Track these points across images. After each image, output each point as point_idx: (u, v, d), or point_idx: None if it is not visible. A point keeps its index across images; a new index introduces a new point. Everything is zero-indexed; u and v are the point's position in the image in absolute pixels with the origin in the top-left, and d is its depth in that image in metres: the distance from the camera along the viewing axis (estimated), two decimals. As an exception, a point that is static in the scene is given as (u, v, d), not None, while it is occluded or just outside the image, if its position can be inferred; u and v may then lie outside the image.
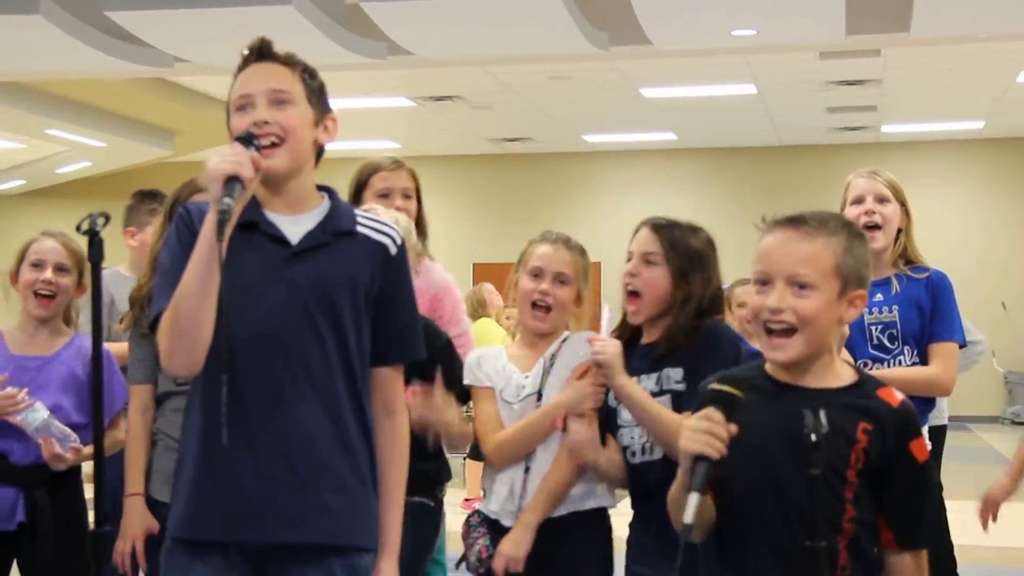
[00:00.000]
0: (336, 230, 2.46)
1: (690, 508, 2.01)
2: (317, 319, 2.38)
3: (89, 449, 3.53)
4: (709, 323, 3.00)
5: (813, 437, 2.06)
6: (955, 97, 13.27)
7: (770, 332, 2.22)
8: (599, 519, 3.17)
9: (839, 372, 2.28)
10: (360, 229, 2.49)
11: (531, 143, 16.34)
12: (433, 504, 3.33)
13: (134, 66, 9.37)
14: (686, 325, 2.99)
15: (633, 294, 3.05)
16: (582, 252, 3.28)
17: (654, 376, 3.02)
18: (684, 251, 3.04)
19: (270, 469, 2.35)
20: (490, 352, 3.30)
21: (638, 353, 3.08)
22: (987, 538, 3.86)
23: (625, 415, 3.06)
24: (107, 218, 3.01)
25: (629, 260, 3.09)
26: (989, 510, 3.62)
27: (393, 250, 2.51)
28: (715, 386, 2.16)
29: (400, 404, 2.57)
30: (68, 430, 3.58)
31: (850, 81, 12.30)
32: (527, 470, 3.16)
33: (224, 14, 7.92)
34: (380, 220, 2.56)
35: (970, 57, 11.10)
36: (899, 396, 2.27)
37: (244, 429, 2.33)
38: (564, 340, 3.24)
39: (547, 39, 8.66)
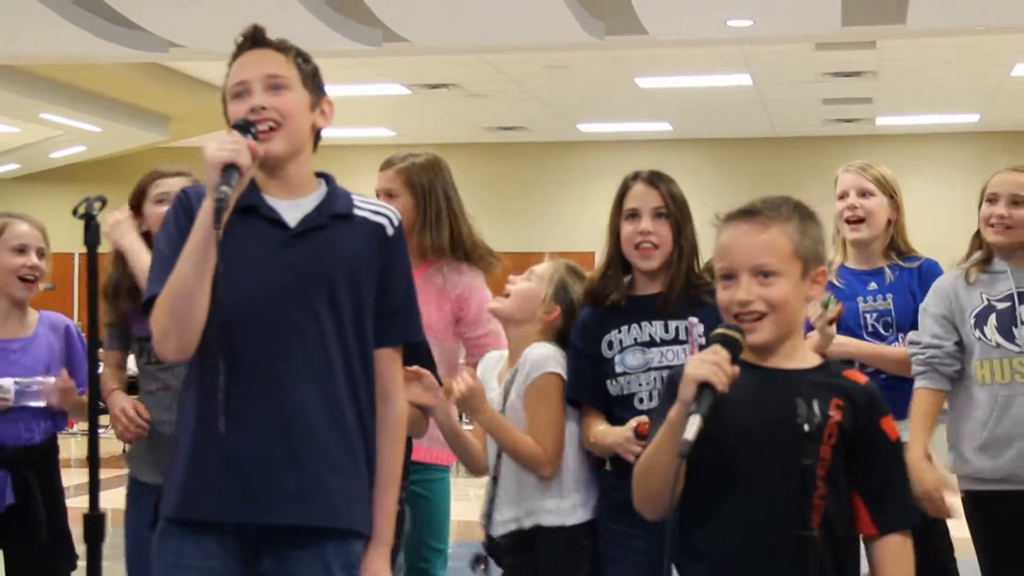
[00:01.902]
0: (333, 213, 2.47)
1: (691, 426, 2.03)
2: (315, 301, 2.39)
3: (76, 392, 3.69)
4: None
5: (806, 427, 2.08)
6: (950, 89, 13.28)
7: (741, 322, 2.26)
8: (584, 535, 3.12)
9: (806, 354, 2.34)
10: (357, 212, 2.50)
11: (526, 132, 16.32)
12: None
13: (129, 50, 9.36)
14: (686, 274, 3.06)
15: (650, 246, 3.06)
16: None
17: (659, 323, 3.05)
18: (680, 202, 3.10)
19: (268, 448, 2.35)
20: (493, 358, 3.30)
21: (639, 304, 3.09)
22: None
23: (630, 361, 3.06)
24: (103, 202, 3.03)
25: (631, 217, 3.08)
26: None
27: (390, 231, 2.52)
28: (722, 330, 2.19)
29: (397, 388, 2.56)
30: (40, 378, 3.65)
31: (846, 73, 12.30)
32: (495, 480, 3.17)
33: (219, -1, 7.90)
34: (378, 203, 2.57)
35: (966, 50, 11.09)
36: (864, 377, 2.35)
37: (242, 410, 2.34)
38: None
39: (543, 28, 8.65)
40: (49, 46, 9.37)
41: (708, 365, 2.10)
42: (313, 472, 2.38)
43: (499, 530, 3.14)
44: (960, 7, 8.18)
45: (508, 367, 3.22)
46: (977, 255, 3.64)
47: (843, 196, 3.85)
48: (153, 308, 2.36)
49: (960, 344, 3.56)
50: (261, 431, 2.36)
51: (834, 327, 3.61)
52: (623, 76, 12.51)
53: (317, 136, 2.53)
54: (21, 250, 3.72)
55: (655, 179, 3.10)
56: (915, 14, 8.18)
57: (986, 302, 3.53)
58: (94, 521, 2.23)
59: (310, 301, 2.39)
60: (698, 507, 2.24)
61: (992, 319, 3.51)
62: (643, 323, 3.06)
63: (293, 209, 2.45)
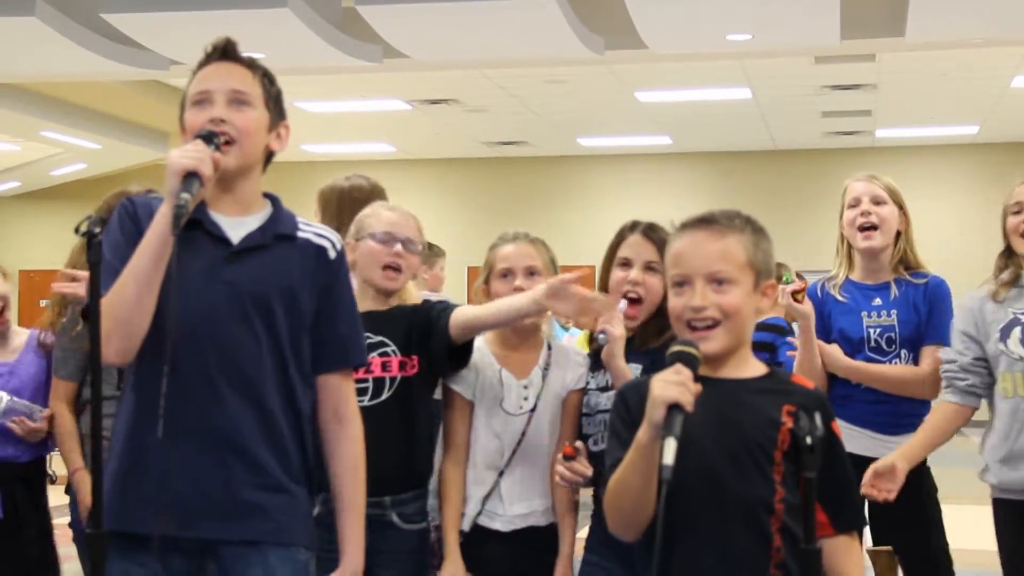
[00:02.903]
0: (276, 233, 2.48)
1: (668, 450, 2.03)
2: (252, 319, 2.39)
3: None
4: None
5: (808, 440, 2.08)
6: (950, 102, 13.31)
7: (694, 329, 2.28)
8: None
9: (753, 364, 2.36)
10: (300, 234, 2.51)
11: (526, 146, 16.35)
12: (426, 525, 3.19)
13: (130, 68, 9.39)
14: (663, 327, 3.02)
15: (635, 300, 3.07)
16: (544, 244, 3.31)
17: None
18: None
19: (199, 462, 2.34)
20: (483, 359, 3.25)
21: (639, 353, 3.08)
22: (985, 542, 3.86)
23: (591, 402, 3.11)
24: (104, 220, 3.03)
25: (623, 265, 3.11)
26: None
27: (332, 254, 2.53)
28: (679, 347, 2.19)
29: (351, 411, 2.56)
30: (31, 404, 3.65)
31: (845, 86, 12.33)
32: (501, 474, 3.17)
33: (220, 16, 7.92)
34: (321, 227, 2.58)
35: (965, 62, 11.12)
36: (811, 382, 2.41)
37: (174, 422, 2.32)
38: (549, 348, 3.24)
39: (543, 43, 8.67)
40: (50, 65, 9.39)
41: (674, 386, 2.09)
42: (244, 489, 2.36)
43: (510, 525, 3.15)
44: (958, 20, 8.20)
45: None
46: (1005, 275, 3.62)
47: (855, 204, 3.79)
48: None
49: (981, 359, 3.55)
50: (193, 444, 2.34)
51: (808, 304, 3.60)
52: (623, 90, 12.54)
53: (268, 158, 2.53)
54: None
55: (651, 232, 3.11)
56: (914, 27, 8.20)
57: (1012, 315, 3.53)
58: (98, 539, 2.21)
59: (247, 319, 2.39)
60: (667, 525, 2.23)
61: (1016, 332, 3.51)
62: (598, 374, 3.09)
63: (237, 227, 2.45)
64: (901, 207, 3.81)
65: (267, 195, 2.55)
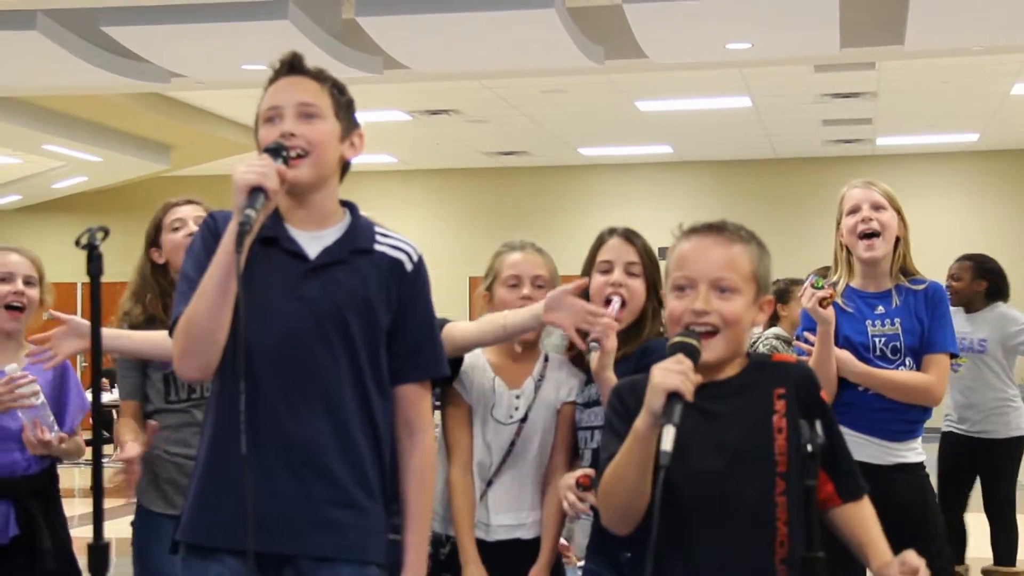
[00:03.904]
0: (354, 247, 2.48)
1: (667, 437, 2.04)
2: (330, 335, 2.40)
3: (70, 443, 3.69)
4: (654, 340, 2.99)
5: (809, 448, 2.09)
6: (950, 109, 13.31)
7: None
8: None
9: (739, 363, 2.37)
10: (377, 247, 2.51)
11: (527, 156, 16.36)
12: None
13: (131, 81, 9.39)
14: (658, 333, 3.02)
15: (611, 302, 3.06)
16: (548, 255, 3.31)
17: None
18: (654, 260, 3.11)
19: (276, 479, 2.36)
20: (477, 364, 3.24)
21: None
22: (980, 550, 3.86)
23: (582, 418, 3.10)
24: (106, 232, 3.03)
25: (604, 271, 3.10)
26: None
27: (409, 266, 2.53)
28: (680, 338, 2.20)
29: (423, 423, 2.56)
30: (52, 420, 3.65)
31: (845, 94, 12.34)
32: (489, 484, 3.16)
33: (220, 29, 7.93)
34: (398, 237, 2.58)
35: (965, 70, 11.13)
36: (792, 356, 2.46)
37: (253, 439, 2.32)
38: (546, 360, 3.23)
39: (543, 53, 8.68)
40: (51, 78, 9.40)
41: (675, 375, 2.10)
42: (321, 506, 2.38)
43: (494, 535, 3.14)
44: (958, 28, 8.21)
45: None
46: None
47: (854, 211, 3.76)
48: (175, 328, 2.38)
49: None
50: (270, 461, 2.36)
51: (831, 311, 3.60)
52: (623, 100, 12.55)
53: (345, 167, 2.53)
54: (4, 279, 3.74)
55: (630, 235, 3.12)
56: (913, 35, 8.21)
57: None
58: (98, 551, 2.22)
59: (325, 335, 2.40)
60: (665, 527, 2.23)
61: None
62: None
63: (315, 241, 2.46)
64: (899, 213, 3.80)
65: (345, 203, 2.55)
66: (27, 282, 3.76)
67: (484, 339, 3.08)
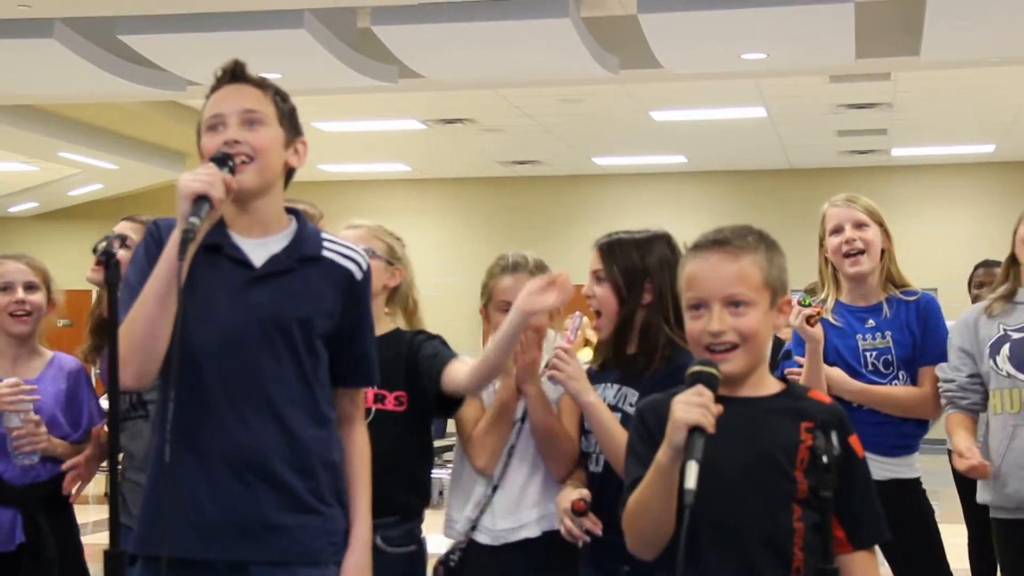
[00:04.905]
0: (301, 255, 2.48)
1: (691, 474, 2.02)
2: (276, 342, 2.40)
3: (62, 447, 3.73)
4: (682, 355, 2.93)
5: (824, 459, 2.08)
6: (965, 120, 13.27)
7: (713, 352, 2.26)
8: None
9: (769, 381, 2.34)
10: (326, 254, 2.51)
11: (541, 166, 16.37)
12: (416, 548, 3.19)
13: (147, 89, 9.44)
14: (649, 345, 2.99)
15: (596, 313, 3.07)
16: (540, 267, 3.28)
17: (615, 388, 3.02)
18: (622, 266, 3.04)
19: (224, 486, 2.36)
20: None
21: (615, 364, 3.08)
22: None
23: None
24: (123, 239, 3.04)
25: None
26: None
27: (359, 275, 2.53)
28: (699, 367, 2.16)
29: (359, 415, 2.61)
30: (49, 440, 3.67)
31: (860, 104, 12.31)
32: (495, 489, 3.17)
33: (237, 37, 7.96)
34: (347, 244, 2.58)
35: (980, 81, 11.10)
36: (828, 396, 2.39)
37: (199, 447, 2.35)
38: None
39: (558, 62, 8.69)
40: (68, 86, 9.45)
41: (696, 408, 2.07)
42: (271, 511, 2.38)
43: (500, 540, 3.13)
44: (973, 39, 8.19)
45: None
46: (1003, 289, 3.60)
47: (837, 231, 3.76)
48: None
49: (976, 376, 3.54)
50: (218, 469, 2.36)
51: (819, 328, 3.57)
52: (638, 110, 12.55)
53: (289, 175, 2.54)
54: (4, 288, 3.75)
55: (601, 244, 3.09)
56: (929, 46, 8.20)
57: (1002, 332, 3.51)
58: (115, 558, 2.22)
59: (270, 342, 2.40)
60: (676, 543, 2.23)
61: (1005, 349, 3.49)
62: (604, 385, 3.06)
63: (259, 248, 2.46)
64: (882, 226, 3.78)
65: (290, 210, 2.55)
66: (28, 288, 3.77)
67: (484, 375, 3.03)
